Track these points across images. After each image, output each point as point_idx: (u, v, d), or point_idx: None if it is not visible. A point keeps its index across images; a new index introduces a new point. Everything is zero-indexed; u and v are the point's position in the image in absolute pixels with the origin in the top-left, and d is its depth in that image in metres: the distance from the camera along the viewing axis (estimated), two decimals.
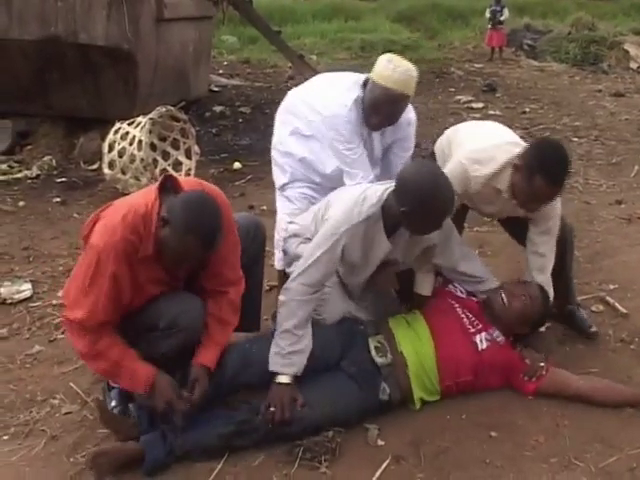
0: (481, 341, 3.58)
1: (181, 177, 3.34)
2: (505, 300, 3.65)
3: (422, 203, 3.18)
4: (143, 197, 3.11)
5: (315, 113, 4.07)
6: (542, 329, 3.89)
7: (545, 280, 3.81)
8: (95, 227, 3.08)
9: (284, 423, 3.19)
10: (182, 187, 3.12)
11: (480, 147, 3.65)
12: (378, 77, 3.79)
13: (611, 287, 4.80)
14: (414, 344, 3.56)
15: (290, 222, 4.05)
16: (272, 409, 3.20)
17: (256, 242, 3.67)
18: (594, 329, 4.12)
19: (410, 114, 4.06)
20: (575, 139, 9.42)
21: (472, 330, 3.62)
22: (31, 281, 4.94)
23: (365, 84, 3.93)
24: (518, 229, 3.99)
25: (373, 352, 3.51)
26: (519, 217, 3.84)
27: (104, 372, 3.25)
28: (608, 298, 4.61)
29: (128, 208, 3.05)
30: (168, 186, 3.12)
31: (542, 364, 3.59)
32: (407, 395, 3.50)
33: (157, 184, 3.12)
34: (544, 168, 3.30)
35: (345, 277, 3.74)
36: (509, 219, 4.06)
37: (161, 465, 3.08)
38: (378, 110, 3.88)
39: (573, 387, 3.53)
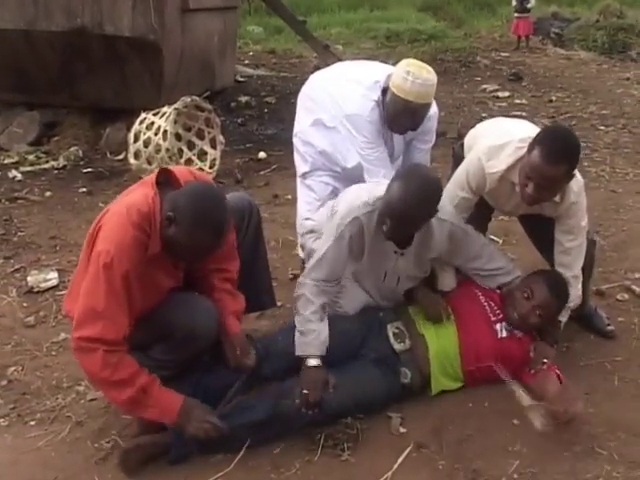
0: (501, 330, 3.59)
1: (174, 167, 3.23)
2: (518, 318, 3.59)
3: (389, 208, 3.23)
4: (141, 194, 3.01)
5: (337, 107, 4.10)
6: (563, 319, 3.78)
7: (570, 278, 3.67)
8: (99, 235, 2.96)
9: (318, 405, 3.20)
10: (178, 180, 3.06)
11: (497, 143, 3.60)
12: (398, 90, 3.79)
13: (637, 276, 4.78)
14: (436, 327, 3.58)
15: (307, 218, 4.08)
16: (305, 392, 3.19)
17: (252, 224, 3.60)
18: (611, 327, 4.05)
19: (431, 108, 4.05)
20: (602, 127, 9.33)
21: (493, 318, 3.62)
22: (57, 270, 5.00)
23: (385, 90, 3.93)
24: (541, 237, 3.90)
25: (392, 339, 3.53)
26: (543, 226, 3.72)
27: (128, 401, 2.96)
28: (634, 287, 4.59)
29: (129, 207, 2.95)
30: (163, 180, 3.05)
31: (545, 361, 3.55)
32: (429, 379, 3.51)
33: (153, 179, 3.05)
34: (542, 142, 3.22)
35: (357, 278, 3.73)
36: (533, 228, 4.00)
37: (186, 455, 3.12)
38: (401, 121, 3.94)
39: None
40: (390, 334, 3.55)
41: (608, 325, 4.05)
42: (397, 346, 3.52)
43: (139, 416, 3.11)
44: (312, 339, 3.34)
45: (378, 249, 3.49)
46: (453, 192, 3.70)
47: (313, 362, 3.31)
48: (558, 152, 3.19)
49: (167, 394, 3.02)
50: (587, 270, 3.85)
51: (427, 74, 3.79)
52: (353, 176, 4.15)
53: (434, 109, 4.11)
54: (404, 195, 3.15)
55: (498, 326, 3.60)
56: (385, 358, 3.48)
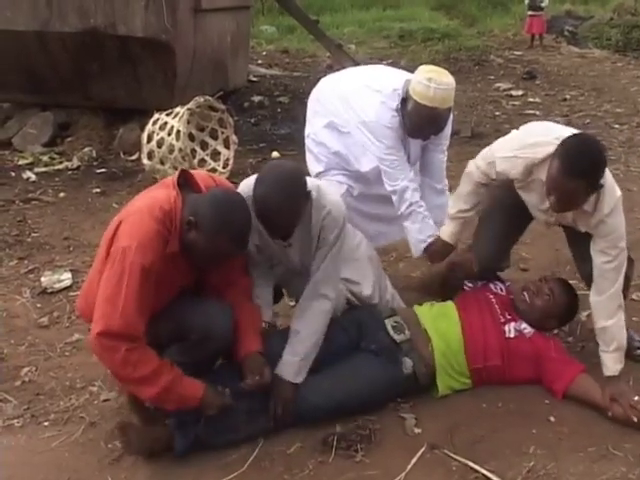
0: (509, 330, 3.60)
1: (194, 171, 3.24)
2: (527, 299, 3.66)
3: (258, 215, 3.13)
4: (163, 194, 3.02)
5: (352, 113, 4.09)
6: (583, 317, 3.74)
7: (597, 302, 3.43)
8: (118, 231, 2.96)
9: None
10: (198, 184, 3.07)
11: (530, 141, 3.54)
12: (422, 98, 3.77)
13: None
14: (437, 322, 3.61)
15: None
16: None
17: None
18: None
19: None
20: (616, 126, 9.31)
21: (502, 320, 3.64)
22: (71, 270, 5.02)
23: (404, 100, 3.91)
24: (578, 249, 3.72)
25: (391, 331, 3.55)
26: (581, 239, 3.56)
27: (154, 398, 3.00)
28: None
29: (152, 204, 2.96)
30: (182, 182, 3.06)
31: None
32: (433, 369, 3.51)
33: (174, 179, 3.06)
34: (563, 153, 3.13)
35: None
36: (572, 239, 3.79)
37: (188, 450, 3.12)
38: (426, 128, 3.93)
39: (598, 405, 3.38)
40: (389, 327, 3.56)
41: (638, 348, 3.85)
42: (396, 336, 3.53)
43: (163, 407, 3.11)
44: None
45: (269, 243, 3.42)
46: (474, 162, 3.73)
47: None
48: (576, 166, 3.08)
49: (189, 385, 3.03)
50: (624, 289, 3.63)
51: (447, 78, 3.79)
52: (367, 177, 4.18)
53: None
54: (266, 201, 3.06)
55: (506, 327, 3.61)
56: (385, 348, 3.49)
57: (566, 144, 3.16)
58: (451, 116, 4.12)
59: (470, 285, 4.01)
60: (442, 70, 3.87)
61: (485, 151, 3.70)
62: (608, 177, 3.27)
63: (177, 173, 3.11)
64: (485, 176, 3.67)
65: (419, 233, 4.04)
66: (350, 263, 3.68)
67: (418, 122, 3.88)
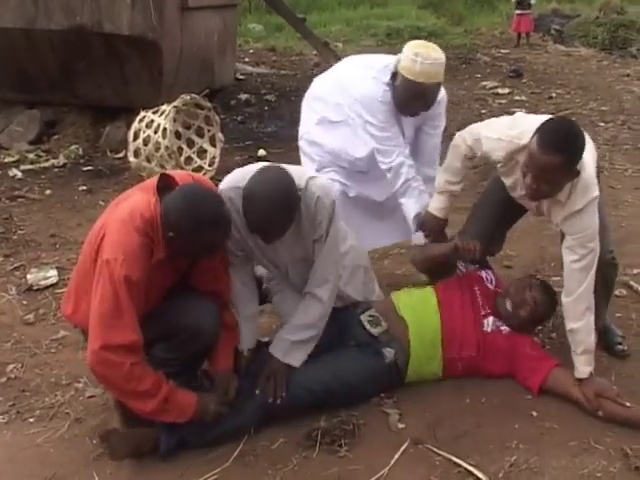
0: (488, 324, 3.63)
1: (175, 172, 3.23)
2: (511, 308, 3.66)
3: (246, 202, 3.10)
4: (143, 200, 3.01)
5: (346, 95, 4.09)
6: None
7: (566, 303, 3.40)
8: (103, 242, 2.95)
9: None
10: (177, 184, 3.05)
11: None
12: (408, 72, 3.79)
13: (635, 272, 4.79)
14: (415, 309, 3.64)
15: None
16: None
17: None
18: (622, 347, 3.87)
19: (440, 92, 4.03)
20: (602, 124, 9.36)
21: (482, 313, 3.67)
22: (57, 268, 5.03)
23: (394, 75, 3.92)
24: None
25: (367, 325, 3.57)
26: None
27: (152, 412, 3.00)
28: (632, 282, 4.61)
29: (132, 213, 2.94)
30: (163, 185, 3.04)
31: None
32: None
33: (154, 184, 3.05)
34: (541, 130, 3.13)
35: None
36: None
37: (173, 449, 3.14)
38: (413, 103, 3.91)
39: (574, 397, 3.42)
40: (365, 322, 3.59)
41: (619, 344, 3.89)
42: (374, 330, 3.56)
43: (158, 420, 3.10)
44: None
45: (259, 245, 3.39)
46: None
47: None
48: (554, 141, 3.08)
49: (183, 398, 3.06)
50: (606, 290, 3.74)
51: (435, 53, 3.80)
52: (359, 167, 4.19)
53: (442, 93, 4.08)
54: (259, 218, 3.05)
55: (485, 320, 3.64)
56: (365, 343, 3.52)
57: (546, 123, 3.17)
58: (445, 99, 4.15)
59: (463, 269, 3.99)
60: (431, 45, 3.87)
61: (474, 126, 3.70)
62: (589, 172, 3.26)
63: (157, 177, 3.09)
64: (471, 151, 3.68)
65: (416, 208, 4.04)
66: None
67: (405, 97, 3.89)
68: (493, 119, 3.73)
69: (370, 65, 4.07)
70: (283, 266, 3.50)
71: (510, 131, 3.44)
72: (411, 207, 4.06)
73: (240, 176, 3.25)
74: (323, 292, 3.36)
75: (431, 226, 3.98)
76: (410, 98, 3.88)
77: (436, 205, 3.92)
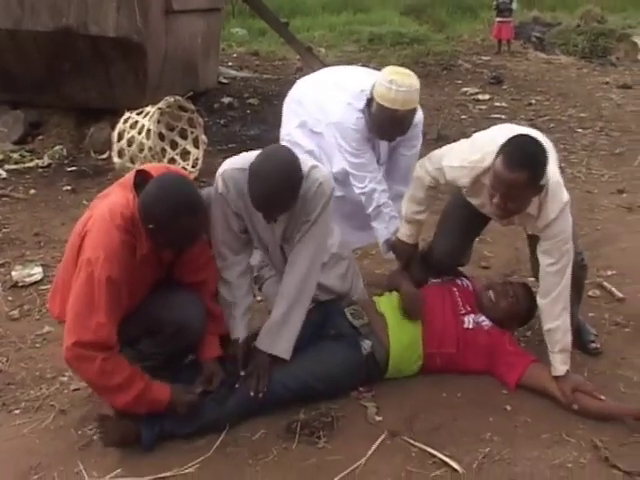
0: (468, 322, 3.71)
1: (151, 166, 3.27)
2: (493, 298, 3.78)
3: (253, 177, 3.19)
4: (122, 197, 3.06)
5: (323, 114, 4.16)
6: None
7: (543, 304, 3.50)
8: (85, 241, 3.01)
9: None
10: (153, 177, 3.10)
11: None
12: (383, 100, 3.81)
13: (609, 273, 4.89)
14: (396, 308, 3.72)
15: None
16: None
17: None
18: (595, 345, 3.95)
19: (417, 115, 4.06)
20: (580, 130, 9.49)
21: (462, 311, 3.76)
22: (42, 265, 5.09)
23: (369, 101, 3.95)
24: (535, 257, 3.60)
25: (350, 317, 3.66)
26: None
27: (125, 406, 3.08)
28: (605, 283, 4.70)
29: (112, 211, 3.01)
30: (140, 181, 3.08)
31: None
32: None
33: (130, 181, 3.09)
34: (504, 149, 3.18)
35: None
36: (530, 243, 3.79)
37: (155, 441, 3.20)
38: (389, 129, 3.96)
39: (551, 392, 3.49)
40: (348, 314, 3.68)
41: (592, 342, 3.97)
42: (355, 322, 3.64)
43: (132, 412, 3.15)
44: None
45: (257, 220, 3.46)
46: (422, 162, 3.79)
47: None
48: (518, 159, 3.12)
49: (157, 390, 3.12)
50: (577, 291, 3.75)
51: (410, 79, 3.82)
52: (338, 179, 4.19)
53: (419, 115, 4.13)
54: (263, 194, 3.14)
55: (466, 318, 3.72)
56: (344, 333, 3.60)
57: (508, 142, 3.21)
58: (422, 116, 4.19)
59: (435, 281, 4.10)
60: (406, 72, 3.89)
61: (434, 155, 3.73)
62: (555, 179, 3.31)
63: (133, 173, 3.14)
64: (435, 180, 3.73)
65: (386, 233, 4.13)
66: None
67: (380, 123, 3.93)
68: (453, 145, 3.75)
69: (346, 87, 4.10)
70: (273, 248, 3.59)
71: (471, 156, 3.49)
72: (382, 232, 4.16)
73: (245, 159, 3.35)
74: (302, 262, 3.42)
75: (401, 251, 4.07)
76: (386, 124, 3.92)
77: (405, 232, 4.01)
